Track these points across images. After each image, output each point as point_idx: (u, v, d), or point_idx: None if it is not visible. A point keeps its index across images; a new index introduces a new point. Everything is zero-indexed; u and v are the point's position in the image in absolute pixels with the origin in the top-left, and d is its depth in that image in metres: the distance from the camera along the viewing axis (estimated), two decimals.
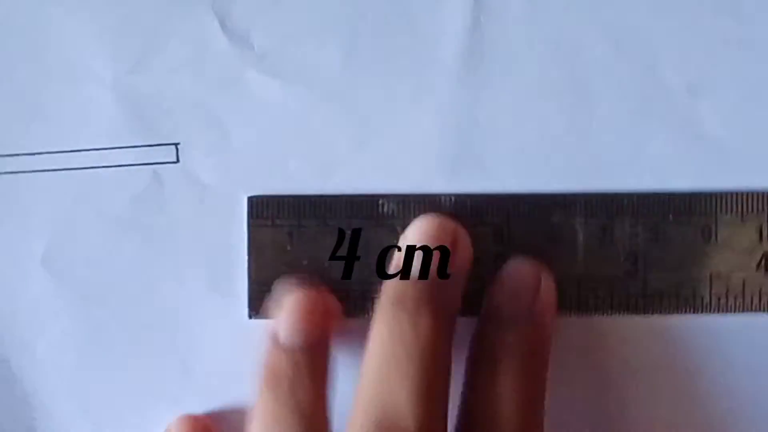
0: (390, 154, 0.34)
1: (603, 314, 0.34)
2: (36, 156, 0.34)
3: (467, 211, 0.34)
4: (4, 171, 0.34)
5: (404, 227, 0.33)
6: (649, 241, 0.34)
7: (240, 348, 0.34)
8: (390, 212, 0.34)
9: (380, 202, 0.34)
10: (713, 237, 0.34)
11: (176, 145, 0.34)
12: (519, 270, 0.33)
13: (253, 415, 0.32)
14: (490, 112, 0.34)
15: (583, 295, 0.34)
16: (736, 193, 0.34)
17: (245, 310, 0.34)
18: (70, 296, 0.35)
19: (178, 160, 0.34)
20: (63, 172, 0.34)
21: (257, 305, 0.34)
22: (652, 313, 0.34)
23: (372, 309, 0.32)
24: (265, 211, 0.34)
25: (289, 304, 0.33)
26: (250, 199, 0.34)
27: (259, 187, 0.34)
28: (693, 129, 0.34)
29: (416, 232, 0.33)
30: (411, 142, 0.34)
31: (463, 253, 0.33)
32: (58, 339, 0.34)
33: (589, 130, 0.34)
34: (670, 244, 0.34)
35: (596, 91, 0.34)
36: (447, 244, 0.32)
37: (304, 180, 0.34)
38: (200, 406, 0.35)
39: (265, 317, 0.33)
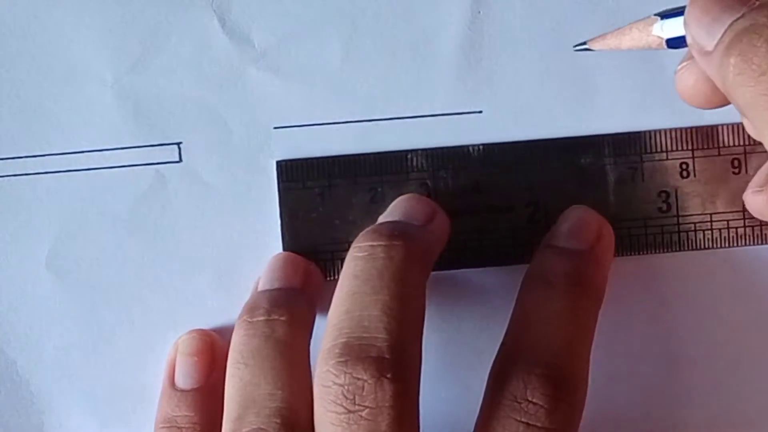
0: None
1: (639, 253, 0.34)
2: (38, 158, 0.34)
3: (496, 159, 0.34)
4: (6, 174, 0.34)
5: (434, 180, 0.34)
6: (679, 177, 0.34)
7: None
8: (419, 166, 0.34)
9: (408, 156, 0.34)
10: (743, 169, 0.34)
11: (179, 144, 0.34)
12: (584, 212, 0.33)
13: (232, 346, 0.32)
14: (490, 105, 0.34)
15: (617, 235, 0.34)
16: None
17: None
18: (75, 297, 0.35)
19: (180, 160, 0.34)
20: (65, 173, 0.34)
21: None
22: (688, 249, 0.34)
23: None
24: (295, 174, 0.34)
25: (270, 262, 0.34)
26: (279, 163, 0.34)
27: None
28: (693, 115, 0.34)
29: (394, 212, 0.33)
30: (411, 136, 0.34)
31: (439, 222, 0.33)
32: (64, 340, 0.35)
33: (591, 119, 0.34)
34: (700, 178, 0.34)
35: (597, 81, 0.34)
36: (423, 222, 0.32)
37: None
38: None
39: None
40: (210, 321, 0.35)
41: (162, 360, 0.34)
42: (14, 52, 0.34)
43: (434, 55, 0.34)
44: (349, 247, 0.31)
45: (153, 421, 0.34)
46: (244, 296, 0.34)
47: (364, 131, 0.34)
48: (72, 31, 0.34)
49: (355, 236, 0.31)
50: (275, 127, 0.34)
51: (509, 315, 0.32)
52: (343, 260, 0.31)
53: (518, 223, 0.34)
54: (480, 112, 0.34)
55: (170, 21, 0.34)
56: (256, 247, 0.34)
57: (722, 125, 0.34)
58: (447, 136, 0.34)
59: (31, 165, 0.34)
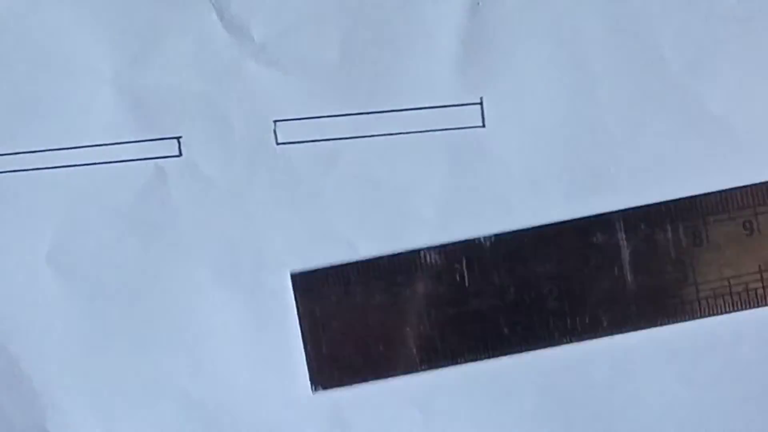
0: (389, 144, 0.34)
1: (661, 324, 0.34)
2: (38, 153, 0.34)
3: (509, 248, 0.34)
4: (5, 170, 0.34)
5: (449, 274, 0.34)
6: (693, 245, 0.34)
7: (246, 338, 0.34)
8: (433, 262, 0.34)
9: (421, 253, 0.34)
10: (756, 230, 0.34)
11: (178, 138, 0.34)
12: None
13: None
14: (491, 99, 0.34)
15: (640, 309, 0.34)
16: None
17: (249, 303, 0.34)
18: (76, 293, 0.35)
19: (180, 154, 0.34)
20: (65, 169, 0.34)
21: (319, 378, 0.34)
22: (709, 315, 0.34)
23: None
24: (310, 285, 0.34)
25: None
26: (294, 276, 0.34)
27: None
28: (694, 109, 0.34)
29: None
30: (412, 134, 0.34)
31: None
32: (66, 336, 0.35)
33: (591, 112, 0.34)
34: (713, 243, 0.34)
35: (597, 73, 0.34)
36: None
37: None
38: (209, 398, 0.35)
39: (330, 388, 0.34)
40: (210, 316, 0.35)
41: (163, 354, 0.34)
42: (12, 47, 0.34)
43: (433, 47, 0.34)
44: None
45: (156, 416, 0.34)
46: (245, 291, 0.34)
47: (364, 123, 0.34)
48: (71, 26, 0.34)
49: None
50: (275, 120, 0.34)
51: None
52: None
53: (540, 310, 0.34)
54: (479, 103, 0.34)
55: (169, 15, 0.34)
56: (256, 242, 0.34)
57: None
58: (446, 131, 0.34)
59: (30, 161, 0.34)
